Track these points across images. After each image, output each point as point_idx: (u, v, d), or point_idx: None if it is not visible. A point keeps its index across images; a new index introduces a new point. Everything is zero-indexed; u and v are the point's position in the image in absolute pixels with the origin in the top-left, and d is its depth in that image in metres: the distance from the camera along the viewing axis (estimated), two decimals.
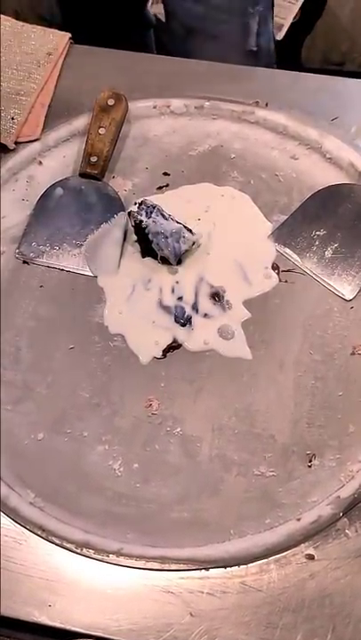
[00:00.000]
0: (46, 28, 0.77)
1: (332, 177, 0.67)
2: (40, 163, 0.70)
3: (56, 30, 0.77)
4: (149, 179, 0.68)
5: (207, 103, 0.71)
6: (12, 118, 0.70)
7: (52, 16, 1.56)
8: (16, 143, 0.70)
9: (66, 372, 0.59)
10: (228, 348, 0.60)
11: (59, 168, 0.69)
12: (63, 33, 0.76)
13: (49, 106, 0.72)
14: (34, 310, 0.62)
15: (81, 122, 0.71)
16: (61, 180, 0.67)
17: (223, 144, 0.70)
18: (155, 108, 0.72)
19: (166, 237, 0.61)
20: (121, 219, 0.64)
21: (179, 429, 0.56)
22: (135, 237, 0.63)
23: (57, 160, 0.70)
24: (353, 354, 0.59)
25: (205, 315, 0.61)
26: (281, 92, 0.71)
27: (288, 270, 0.63)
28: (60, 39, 0.76)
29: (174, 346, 0.60)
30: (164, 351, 0.60)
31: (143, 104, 0.72)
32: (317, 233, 0.63)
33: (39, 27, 0.77)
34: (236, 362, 0.59)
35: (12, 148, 0.70)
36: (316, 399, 0.57)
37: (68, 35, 0.76)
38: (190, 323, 0.61)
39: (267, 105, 0.70)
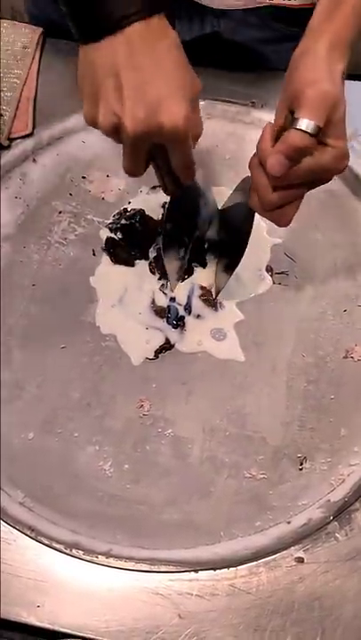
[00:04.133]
0: (17, 22, 0.76)
1: None
2: (34, 160, 0.69)
3: (27, 24, 0.76)
4: (143, 178, 0.68)
5: (202, 103, 0.71)
6: (1, 115, 0.70)
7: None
8: (9, 139, 0.70)
9: (57, 371, 0.59)
10: (220, 349, 0.59)
11: (52, 166, 0.69)
12: (35, 27, 0.76)
13: (35, 100, 0.72)
14: (25, 309, 0.62)
15: (74, 120, 0.70)
16: None
17: (218, 144, 0.70)
18: None
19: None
20: None
21: (170, 431, 0.56)
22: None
23: (51, 158, 0.69)
24: (346, 357, 0.59)
25: (198, 316, 0.61)
26: (277, 93, 0.70)
27: (282, 273, 0.63)
28: (32, 32, 0.75)
29: (166, 347, 0.60)
30: (155, 352, 0.59)
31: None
32: None
33: (9, 21, 0.76)
34: (228, 364, 0.59)
35: (5, 144, 0.69)
36: (308, 402, 0.57)
37: (41, 29, 0.75)
38: (183, 324, 0.60)
39: (262, 106, 0.70)
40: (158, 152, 0.50)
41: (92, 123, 0.47)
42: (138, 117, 0.44)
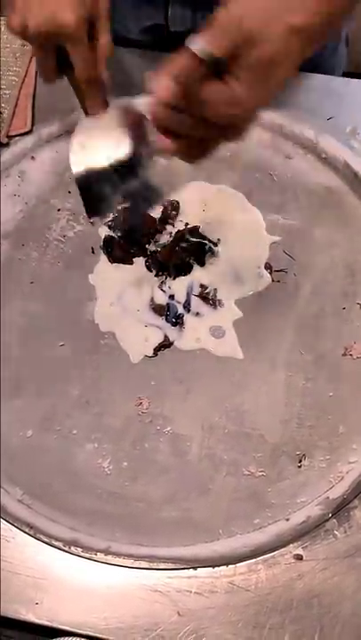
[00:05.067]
0: None
1: (327, 177, 0.66)
2: (32, 158, 0.69)
3: None
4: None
5: None
6: (0, 113, 0.70)
7: None
8: (8, 137, 0.70)
9: (56, 369, 0.59)
10: (219, 347, 0.59)
11: (51, 163, 0.69)
12: None
13: (34, 97, 0.72)
14: (24, 307, 0.62)
15: (73, 118, 0.70)
16: None
17: None
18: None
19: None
20: None
21: (169, 428, 0.56)
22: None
23: (49, 155, 0.69)
24: (344, 355, 0.59)
25: (197, 314, 0.61)
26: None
27: (280, 270, 0.63)
28: None
29: (165, 344, 0.60)
30: (154, 350, 0.59)
31: (137, 100, 0.71)
32: None
33: (4, 18, 0.76)
34: (226, 361, 0.59)
35: (4, 142, 0.69)
36: (306, 399, 0.57)
37: None
38: (182, 321, 0.60)
39: None
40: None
41: (9, 28, 0.55)
42: (38, 19, 0.53)
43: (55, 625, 0.50)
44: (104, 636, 0.49)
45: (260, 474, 0.54)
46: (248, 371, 0.58)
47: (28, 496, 0.54)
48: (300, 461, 0.55)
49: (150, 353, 0.59)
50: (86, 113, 0.58)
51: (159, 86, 0.41)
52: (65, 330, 0.60)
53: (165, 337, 0.60)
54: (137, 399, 0.57)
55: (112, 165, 0.55)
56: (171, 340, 0.60)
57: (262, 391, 0.58)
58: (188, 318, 0.60)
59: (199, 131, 0.43)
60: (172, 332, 0.60)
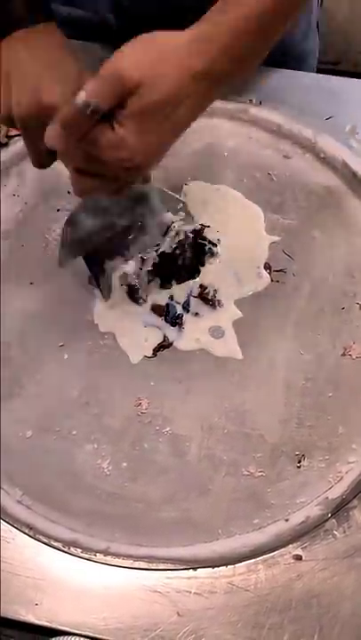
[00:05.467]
0: None
1: (326, 176, 0.66)
2: None
3: None
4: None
5: None
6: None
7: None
8: (7, 137, 0.70)
9: (55, 369, 0.59)
10: (218, 347, 0.59)
11: None
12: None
13: None
14: (24, 307, 0.62)
15: None
16: None
17: (216, 142, 0.69)
18: None
19: None
20: None
21: (168, 429, 0.56)
22: None
23: None
24: (344, 355, 0.59)
25: (196, 314, 0.61)
26: (275, 91, 0.70)
27: (280, 270, 0.63)
28: None
29: (165, 345, 0.60)
30: (154, 350, 0.59)
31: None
32: None
33: None
34: (226, 361, 0.59)
35: (3, 142, 0.69)
36: (306, 400, 0.57)
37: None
38: (181, 322, 0.60)
39: (260, 103, 0.70)
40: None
41: None
42: (22, 103, 0.49)
43: (55, 625, 0.50)
44: (103, 637, 0.49)
45: (260, 474, 0.54)
46: (247, 371, 0.58)
47: (27, 497, 0.54)
48: (300, 462, 0.55)
49: (150, 353, 0.59)
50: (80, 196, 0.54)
51: (48, 134, 0.44)
52: (64, 330, 0.60)
53: (165, 337, 0.60)
54: (136, 399, 0.57)
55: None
56: (170, 340, 0.60)
57: (262, 391, 0.58)
58: (187, 318, 0.60)
59: (101, 169, 0.46)
60: (172, 333, 0.60)
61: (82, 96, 0.41)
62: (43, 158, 0.52)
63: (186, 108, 0.45)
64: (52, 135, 0.43)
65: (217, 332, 0.60)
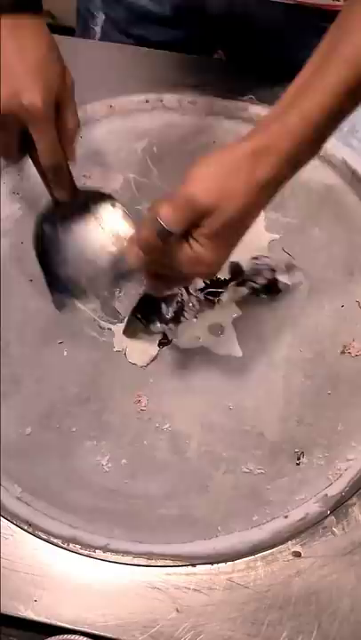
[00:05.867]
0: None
1: (326, 175, 0.67)
2: None
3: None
4: (141, 173, 0.68)
5: (200, 98, 0.71)
6: None
7: (46, 11, 1.54)
8: None
9: (55, 366, 0.59)
10: (218, 344, 0.59)
11: None
12: None
13: None
14: (23, 304, 0.62)
15: None
16: None
17: (216, 140, 0.69)
18: (147, 102, 0.71)
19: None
20: None
21: (167, 426, 0.56)
22: None
23: None
24: (343, 352, 0.59)
25: (196, 311, 0.61)
26: (275, 89, 0.70)
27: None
28: None
29: (164, 342, 0.60)
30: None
31: (135, 98, 0.71)
32: None
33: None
34: (225, 359, 0.59)
35: None
36: (305, 397, 0.57)
37: None
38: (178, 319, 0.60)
39: (261, 101, 0.70)
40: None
41: None
42: (2, 99, 0.48)
43: (54, 622, 0.50)
44: (102, 633, 0.49)
45: (259, 471, 0.54)
46: (247, 368, 0.59)
47: (26, 493, 0.54)
48: (299, 459, 0.55)
49: (155, 352, 0.59)
50: (53, 198, 0.55)
51: (130, 255, 0.48)
52: (64, 327, 0.60)
53: (164, 334, 0.60)
54: (136, 396, 0.57)
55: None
56: (170, 337, 0.60)
57: (261, 389, 0.58)
58: (187, 316, 0.60)
59: (177, 277, 0.49)
60: (171, 332, 0.60)
61: (157, 222, 0.44)
62: (13, 153, 0.53)
63: (250, 218, 0.47)
64: (134, 257, 0.48)
65: (217, 330, 0.60)
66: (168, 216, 0.44)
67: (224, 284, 0.61)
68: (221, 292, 0.60)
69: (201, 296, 0.60)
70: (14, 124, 0.49)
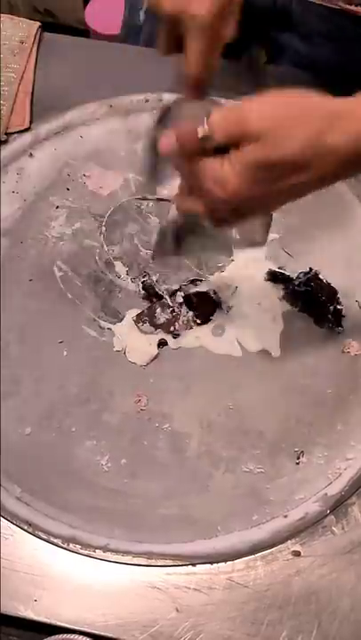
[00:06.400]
0: (14, 17, 0.76)
1: None
2: (31, 155, 0.69)
3: (24, 19, 0.76)
4: (141, 173, 0.68)
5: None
6: None
7: (46, 10, 1.55)
8: (6, 134, 0.70)
9: (54, 366, 0.59)
10: (218, 344, 0.59)
11: (50, 161, 0.69)
12: (32, 21, 0.76)
13: (32, 94, 0.72)
14: (23, 304, 0.62)
15: (71, 115, 0.70)
16: None
17: None
18: (147, 102, 0.71)
19: None
20: None
21: (167, 425, 0.56)
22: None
23: (48, 152, 0.69)
24: (343, 352, 0.59)
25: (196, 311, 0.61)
26: (274, 88, 0.70)
27: (279, 267, 0.63)
28: (30, 27, 0.75)
29: (164, 342, 0.60)
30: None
31: (135, 97, 0.71)
32: None
33: (6, 15, 0.76)
34: (225, 359, 0.59)
35: (2, 139, 0.69)
36: (304, 397, 0.57)
37: (38, 23, 0.75)
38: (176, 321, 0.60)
39: None
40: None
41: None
42: (173, 2, 0.50)
43: (54, 622, 0.50)
44: (102, 633, 0.49)
45: (259, 471, 0.54)
46: (247, 368, 0.59)
47: (26, 493, 0.54)
48: (299, 458, 0.55)
49: (155, 352, 0.59)
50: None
51: (164, 138, 0.44)
52: (64, 327, 0.60)
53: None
54: (136, 396, 0.57)
55: None
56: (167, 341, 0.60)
57: (261, 388, 0.58)
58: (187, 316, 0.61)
59: (200, 197, 0.45)
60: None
61: (203, 126, 0.42)
62: (168, 49, 0.54)
63: (307, 177, 0.43)
64: (165, 142, 0.44)
65: (216, 330, 0.60)
66: (215, 122, 0.42)
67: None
68: (210, 320, 0.60)
69: (190, 316, 0.60)
70: (176, 24, 0.51)
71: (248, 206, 0.45)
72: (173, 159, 0.45)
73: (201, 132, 0.42)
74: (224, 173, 0.43)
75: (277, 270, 0.61)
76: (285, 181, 0.43)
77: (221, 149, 0.43)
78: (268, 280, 0.61)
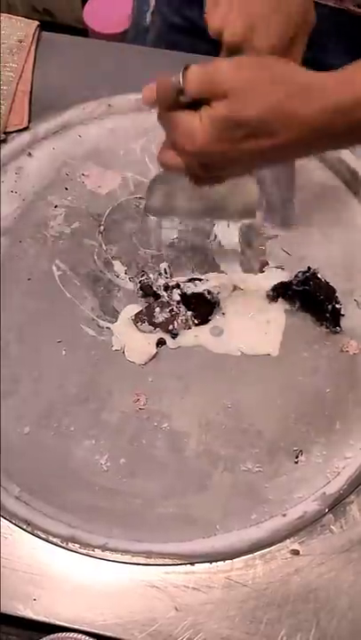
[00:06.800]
0: (12, 16, 0.76)
1: (324, 174, 0.67)
2: (29, 154, 0.69)
3: (23, 18, 0.76)
4: (141, 172, 0.68)
5: None
6: None
7: (44, 9, 1.55)
8: (5, 133, 0.70)
9: (53, 366, 0.59)
10: (216, 344, 0.59)
11: (48, 160, 0.69)
12: (30, 21, 0.76)
13: (30, 93, 0.72)
14: (21, 303, 0.62)
15: (70, 114, 0.70)
16: None
17: None
18: None
19: None
20: None
21: (166, 425, 0.56)
22: None
23: (46, 152, 0.69)
24: (341, 351, 0.59)
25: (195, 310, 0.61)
26: None
27: (277, 267, 0.63)
28: (28, 26, 0.75)
29: (163, 341, 0.60)
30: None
31: (134, 97, 0.71)
32: None
33: (5, 14, 0.76)
34: (224, 358, 0.59)
35: (1, 138, 0.69)
36: (303, 396, 0.57)
37: (37, 23, 0.75)
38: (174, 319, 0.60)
39: None
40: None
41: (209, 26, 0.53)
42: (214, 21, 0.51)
43: (53, 621, 0.50)
44: (101, 632, 0.49)
45: (258, 470, 0.55)
46: (245, 367, 0.59)
47: (25, 493, 0.54)
48: (297, 457, 0.55)
49: (154, 351, 0.59)
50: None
51: (144, 89, 0.46)
52: (62, 326, 0.60)
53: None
54: (134, 396, 0.57)
55: None
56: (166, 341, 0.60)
57: (259, 387, 0.58)
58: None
59: (168, 137, 0.47)
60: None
61: (178, 77, 0.44)
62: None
63: (273, 143, 0.43)
64: (146, 93, 0.46)
65: (215, 329, 0.60)
66: (189, 75, 0.43)
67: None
68: (209, 320, 0.60)
69: (189, 315, 0.60)
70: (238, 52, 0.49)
71: (218, 163, 0.46)
72: (157, 112, 0.47)
73: (175, 83, 0.44)
74: (193, 126, 0.44)
75: (277, 285, 0.61)
76: (252, 143, 0.44)
77: (196, 105, 0.44)
78: (273, 300, 0.61)
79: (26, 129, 0.70)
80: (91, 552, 0.52)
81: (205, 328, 0.60)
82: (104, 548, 0.52)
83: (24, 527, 0.53)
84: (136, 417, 0.57)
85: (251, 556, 0.51)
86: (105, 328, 0.60)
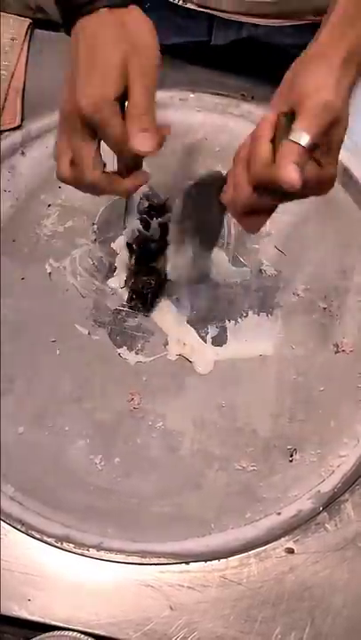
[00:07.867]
0: (4, 14, 0.76)
1: None
2: (22, 153, 0.69)
3: (15, 15, 0.76)
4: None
5: (192, 95, 0.71)
6: None
7: (37, 6, 1.53)
8: None
9: (47, 365, 0.59)
10: (210, 343, 0.59)
11: (41, 159, 0.69)
12: (23, 18, 0.75)
13: (23, 92, 0.71)
14: (15, 303, 0.62)
15: None
16: None
17: (207, 137, 0.69)
18: None
19: None
20: None
21: (160, 424, 0.56)
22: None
23: (39, 150, 0.69)
24: (335, 350, 0.59)
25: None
26: (267, 86, 0.70)
27: (271, 265, 0.63)
28: (20, 24, 0.75)
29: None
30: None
31: None
32: None
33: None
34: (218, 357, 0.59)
35: None
36: (297, 394, 0.57)
37: (29, 20, 0.75)
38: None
39: (252, 98, 0.70)
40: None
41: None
42: (66, 99, 0.48)
43: (48, 621, 0.50)
44: (96, 632, 0.50)
45: (252, 468, 0.55)
46: (239, 366, 0.59)
47: (19, 493, 0.54)
48: (292, 456, 0.55)
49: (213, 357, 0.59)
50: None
51: (293, 176, 0.41)
52: (56, 326, 0.60)
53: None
54: (129, 395, 0.57)
55: None
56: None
57: (254, 386, 0.58)
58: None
59: (281, 202, 0.46)
60: None
61: (302, 135, 0.41)
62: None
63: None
64: (295, 176, 0.41)
65: (209, 330, 0.60)
66: (311, 124, 0.41)
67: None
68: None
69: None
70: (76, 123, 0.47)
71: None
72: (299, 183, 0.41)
73: (306, 141, 0.41)
74: (328, 172, 0.44)
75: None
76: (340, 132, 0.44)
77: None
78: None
79: (19, 127, 0.70)
80: (85, 552, 0.52)
81: (199, 328, 0.60)
82: (99, 547, 0.52)
83: (18, 527, 0.53)
84: (130, 416, 0.57)
85: (245, 554, 0.52)
86: (98, 327, 0.60)
